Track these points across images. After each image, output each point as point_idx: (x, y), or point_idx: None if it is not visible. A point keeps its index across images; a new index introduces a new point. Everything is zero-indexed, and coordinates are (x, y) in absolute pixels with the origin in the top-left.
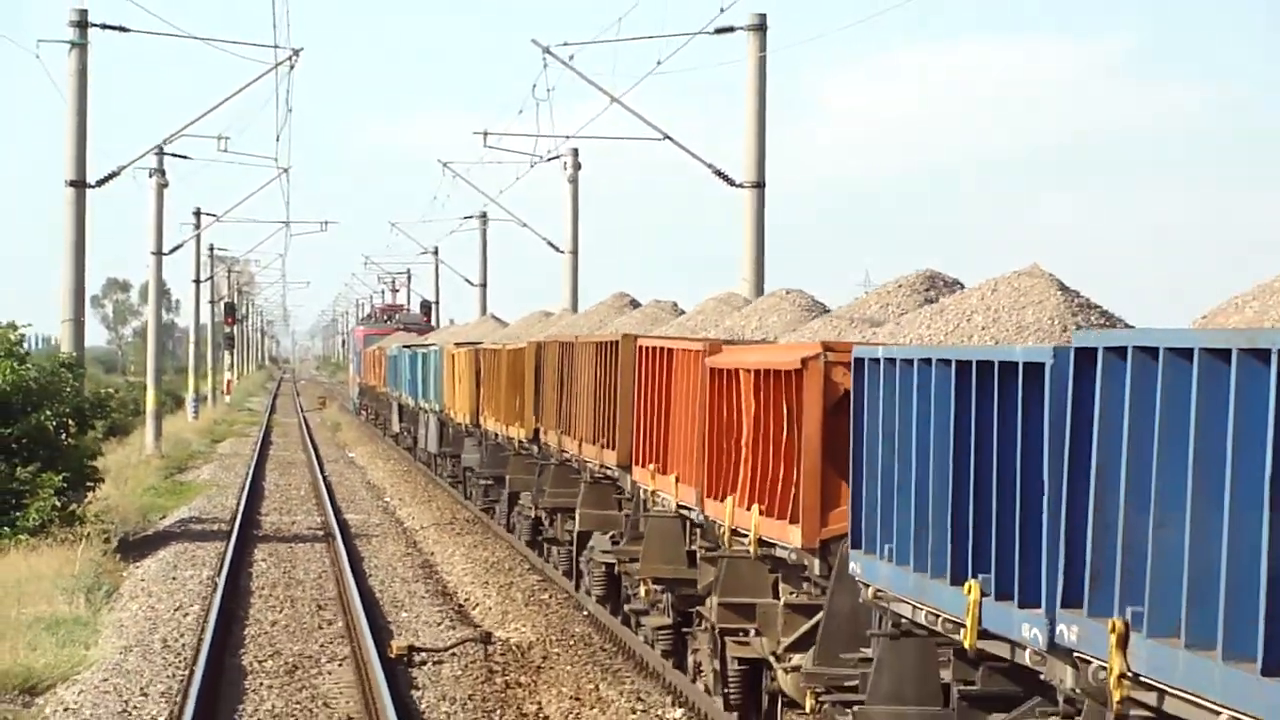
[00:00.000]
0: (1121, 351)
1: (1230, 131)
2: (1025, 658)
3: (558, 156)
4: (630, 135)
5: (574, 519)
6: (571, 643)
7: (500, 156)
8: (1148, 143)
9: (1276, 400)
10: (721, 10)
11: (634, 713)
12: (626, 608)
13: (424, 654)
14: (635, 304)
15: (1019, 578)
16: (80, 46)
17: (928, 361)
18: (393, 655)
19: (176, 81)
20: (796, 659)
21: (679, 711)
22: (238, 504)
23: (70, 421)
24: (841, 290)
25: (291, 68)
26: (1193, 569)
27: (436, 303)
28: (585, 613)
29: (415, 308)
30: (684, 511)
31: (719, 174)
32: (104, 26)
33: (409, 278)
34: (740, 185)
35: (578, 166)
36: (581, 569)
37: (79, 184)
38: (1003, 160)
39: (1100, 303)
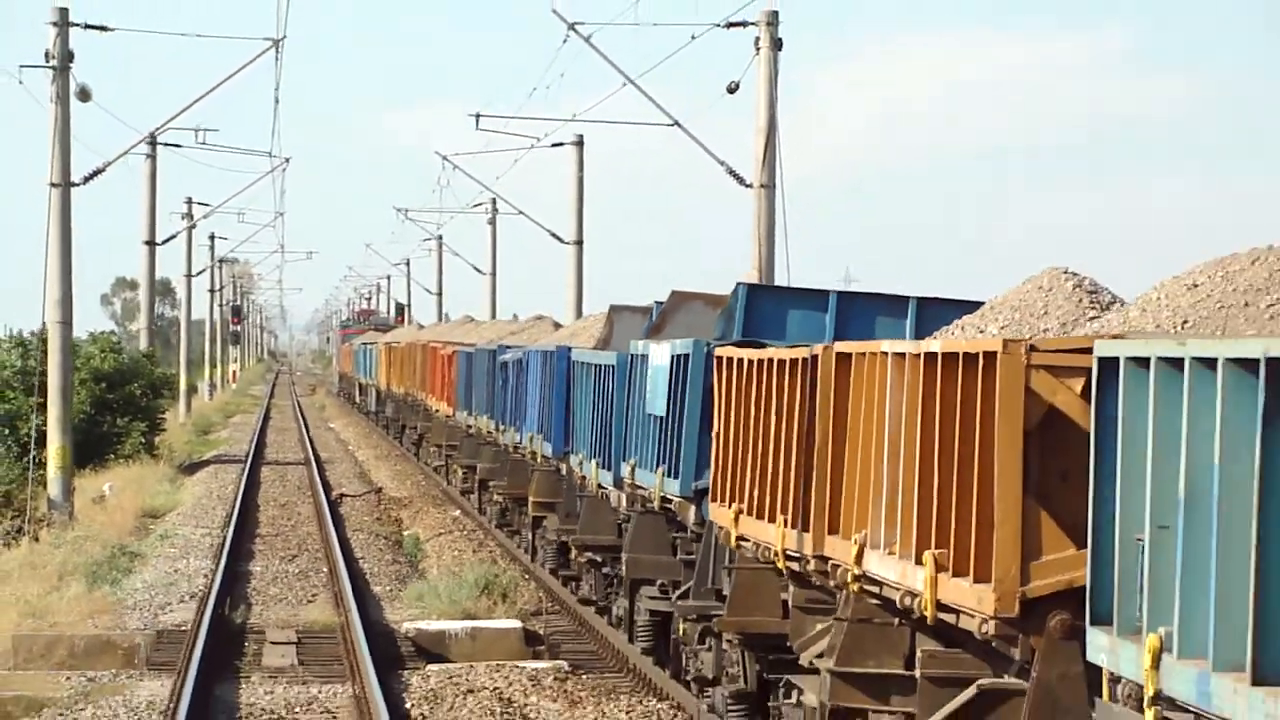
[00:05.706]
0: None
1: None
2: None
3: (477, 206)
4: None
5: (418, 431)
6: (427, 497)
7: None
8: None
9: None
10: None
11: (441, 518)
12: (435, 464)
13: (348, 498)
14: (472, 319)
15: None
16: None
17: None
18: (332, 499)
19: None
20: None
21: (457, 510)
22: (249, 449)
23: (148, 391)
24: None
25: (283, 172)
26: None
27: (409, 306)
28: (442, 488)
29: (392, 311)
30: (440, 415)
31: (551, 237)
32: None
33: (389, 282)
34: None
35: (495, 212)
36: (423, 455)
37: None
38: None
39: None
